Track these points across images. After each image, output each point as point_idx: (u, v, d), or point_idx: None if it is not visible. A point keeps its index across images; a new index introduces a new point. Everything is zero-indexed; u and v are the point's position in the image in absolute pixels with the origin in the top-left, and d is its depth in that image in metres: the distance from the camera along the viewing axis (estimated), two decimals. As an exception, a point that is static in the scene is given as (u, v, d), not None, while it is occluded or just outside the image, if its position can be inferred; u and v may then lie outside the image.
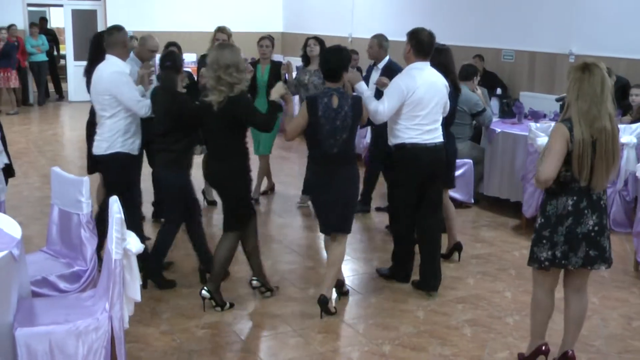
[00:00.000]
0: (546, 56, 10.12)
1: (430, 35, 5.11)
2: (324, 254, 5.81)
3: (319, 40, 7.49)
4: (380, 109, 4.93)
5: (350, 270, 5.75)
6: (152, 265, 5.18)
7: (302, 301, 5.09)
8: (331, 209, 4.83)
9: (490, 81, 9.83)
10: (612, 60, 8.82)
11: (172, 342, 4.42)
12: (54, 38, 15.95)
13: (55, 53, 15.96)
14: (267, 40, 7.68)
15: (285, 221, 7.12)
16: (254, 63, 7.75)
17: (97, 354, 3.36)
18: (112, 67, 5.15)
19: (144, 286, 4.83)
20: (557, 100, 8.12)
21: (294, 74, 7.60)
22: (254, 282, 5.17)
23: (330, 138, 4.69)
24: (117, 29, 5.28)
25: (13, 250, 3.36)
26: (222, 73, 4.57)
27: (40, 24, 15.59)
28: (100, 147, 5.23)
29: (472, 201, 7.53)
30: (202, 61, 7.41)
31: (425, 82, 5.03)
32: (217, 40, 7.43)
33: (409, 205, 5.23)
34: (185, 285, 5.29)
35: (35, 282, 3.93)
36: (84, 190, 4.12)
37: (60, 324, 3.35)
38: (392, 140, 5.17)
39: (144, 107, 5.13)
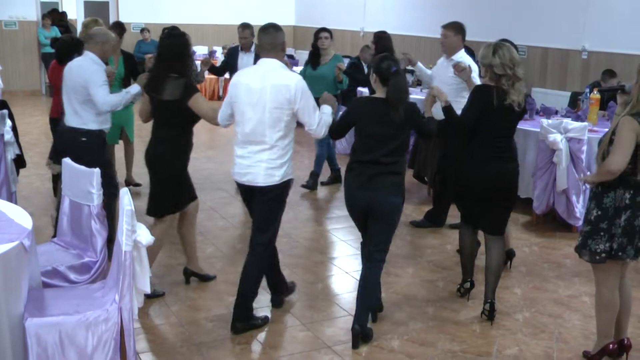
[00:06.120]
0: (558, 52, 10.07)
1: None
2: (332, 246, 5.83)
3: None
4: None
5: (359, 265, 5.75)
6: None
7: (311, 295, 5.10)
8: None
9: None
10: (625, 57, 8.78)
11: (181, 334, 4.43)
12: (66, 30, 15.99)
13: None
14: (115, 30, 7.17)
15: (295, 215, 7.10)
16: None
17: (107, 345, 3.38)
18: (291, 73, 4.39)
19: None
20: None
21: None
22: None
23: None
24: (275, 27, 4.37)
25: (24, 241, 3.37)
26: (517, 71, 4.49)
27: (59, 16, 15.67)
28: (273, 176, 4.31)
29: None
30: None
31: None
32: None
33: None
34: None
35: (46, 272, 3.95)
36: (94, 181, 4.13)
37: (70, 314, 3.37)
38: None
39: (324, 127, 4.35)
